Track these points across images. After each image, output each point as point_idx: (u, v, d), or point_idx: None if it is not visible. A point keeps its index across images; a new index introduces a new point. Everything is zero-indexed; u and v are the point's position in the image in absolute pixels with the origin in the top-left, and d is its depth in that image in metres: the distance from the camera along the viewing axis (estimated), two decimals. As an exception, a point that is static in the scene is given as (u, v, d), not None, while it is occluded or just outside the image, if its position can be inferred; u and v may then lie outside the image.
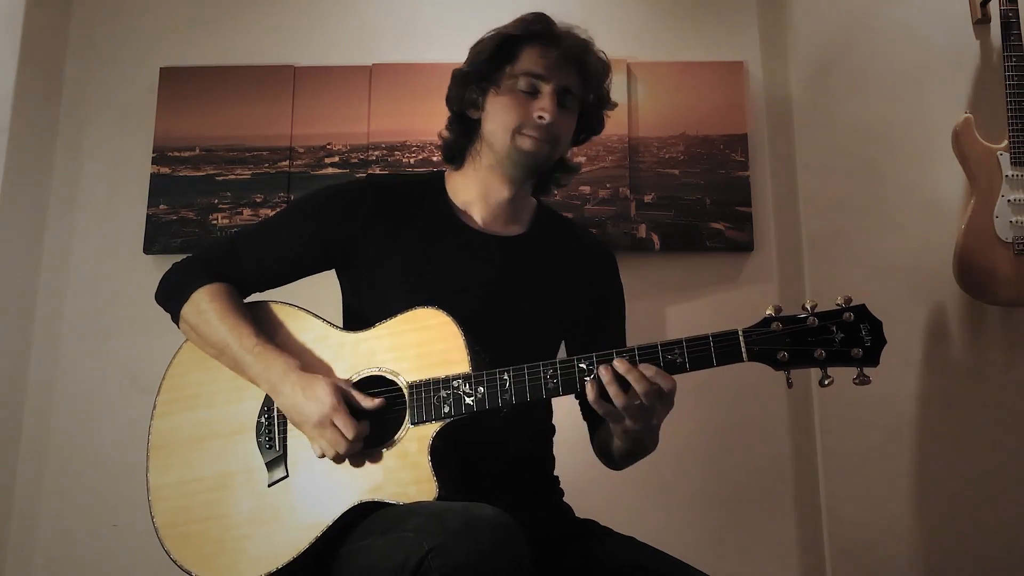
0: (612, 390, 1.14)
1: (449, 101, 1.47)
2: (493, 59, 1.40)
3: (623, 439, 1.28)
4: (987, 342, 2.17)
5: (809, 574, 2.16)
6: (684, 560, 1.27)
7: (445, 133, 1.49)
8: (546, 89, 1.37)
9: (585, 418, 1.48)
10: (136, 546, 2.09)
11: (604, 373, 1.15)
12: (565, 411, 1.47)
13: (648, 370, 1.14)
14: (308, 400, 1.21)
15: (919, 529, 2.09)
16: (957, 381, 2.15)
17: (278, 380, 1.25)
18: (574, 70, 1.40)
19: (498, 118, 1.39)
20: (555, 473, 1.47)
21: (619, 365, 1.15)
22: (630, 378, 1.14)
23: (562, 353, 1.49)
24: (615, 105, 1.50)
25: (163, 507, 1.29)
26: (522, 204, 1.49)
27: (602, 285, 1.52)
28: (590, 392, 1.16)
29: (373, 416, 1.23)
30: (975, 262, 2.03)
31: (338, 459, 1.22)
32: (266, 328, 1.33)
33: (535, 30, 1.40)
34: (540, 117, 1.36)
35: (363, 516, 1.18)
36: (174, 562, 1.25)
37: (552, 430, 1.49)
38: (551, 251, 1.47)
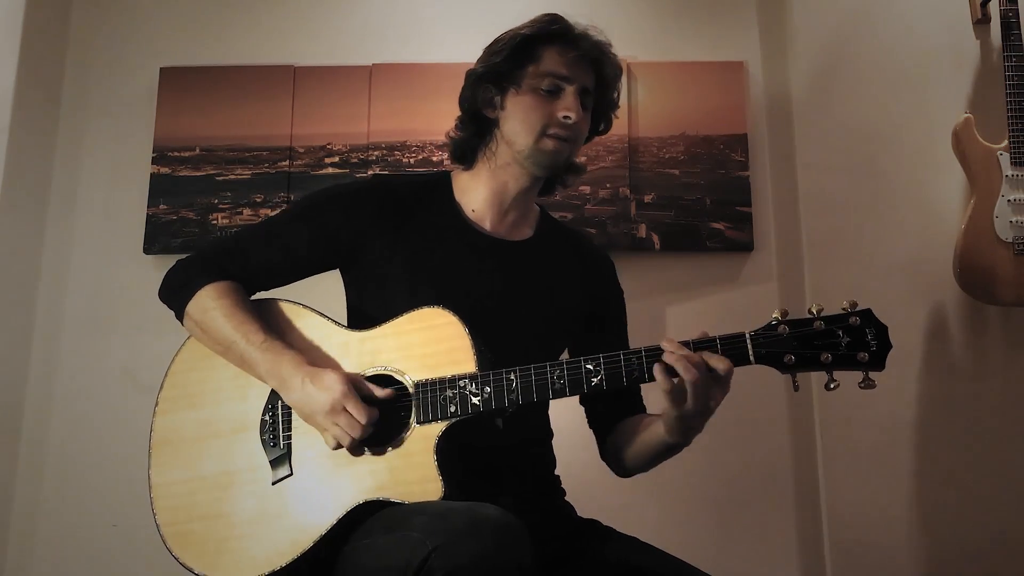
0: (682, 366, 1.12)
1: (463, 100, 1.46)
2: (512, 59, 1.39)
3: (674, 429, 1.24)
4: (987, 342, 2.17)
5: (809, 574, 2.16)
6: (685, 559, 1.27)
7: (455, 133, 1.48)
8: (569, 89, 1.38)
9: (592, 425, 1.48)
10: (136, 546, 2.10)
11: (670, 347, 1.14)
12: (564, 412, 1.46)
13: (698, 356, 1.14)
14: (319, 390, 1.21)
15: (919, 529, 2.09)
16: (957, 381, 2.15)
17: (288, 375, 1.24)
18: (592, 71, 1.41)
19: (521, 118, 1.38)
20: (556, 473, 1.47)
21: (668, 344, 1.14)
22: (681, 354, 1.13)
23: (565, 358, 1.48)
24: (618, 107, 1.51)
25: (165, 505, 1.29)
26: (530, 206, 1.49)
27: (604, 290, 1.52)
28: (660, 374, 1.14)
29: (380, 413, 1.22)
30: (975, 262, 2.03)
31: (353, 445, 1.21)
32: (271, 325, 1.32)
33: (554, 30, 1.39)
34: (566, 117, 1.36)
35: (367, 515, 1.17)
36: (176, 560, 1.24)
37: (550, 434, 1.48)
38: (555, 256, 1.47)
